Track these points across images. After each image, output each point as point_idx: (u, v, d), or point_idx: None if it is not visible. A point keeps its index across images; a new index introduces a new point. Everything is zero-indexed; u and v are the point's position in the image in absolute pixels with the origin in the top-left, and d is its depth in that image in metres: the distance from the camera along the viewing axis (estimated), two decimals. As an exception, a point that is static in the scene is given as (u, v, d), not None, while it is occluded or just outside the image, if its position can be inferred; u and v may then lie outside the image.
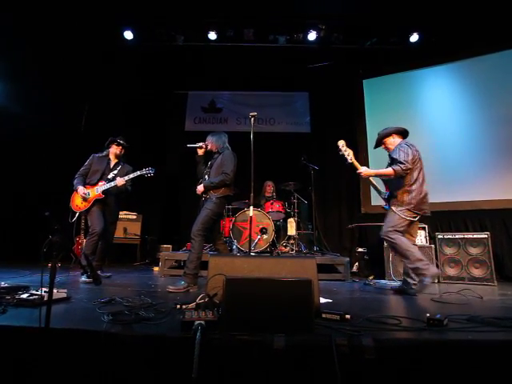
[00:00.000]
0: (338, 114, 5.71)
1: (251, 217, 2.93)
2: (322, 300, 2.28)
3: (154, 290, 2.68)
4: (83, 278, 2.94)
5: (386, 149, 2.95)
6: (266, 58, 5.47)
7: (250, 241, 3.09)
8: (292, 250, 4.37)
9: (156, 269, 4.35)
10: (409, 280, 2.74)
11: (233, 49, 5.16)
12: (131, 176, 3.43)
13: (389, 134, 2.92)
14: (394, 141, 2.89)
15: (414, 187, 2.70)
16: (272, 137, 5.91)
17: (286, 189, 4.87)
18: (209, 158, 3.12)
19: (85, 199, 3.35)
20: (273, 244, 4.36)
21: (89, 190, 3.39)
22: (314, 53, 5.42)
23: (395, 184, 2.77)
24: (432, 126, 4.93)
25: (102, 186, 3.41)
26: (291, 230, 4.56)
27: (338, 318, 1.73)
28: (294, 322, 1.44)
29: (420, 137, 5.00)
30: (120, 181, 3.40)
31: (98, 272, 3.32)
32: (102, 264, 3.48)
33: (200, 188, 2.96)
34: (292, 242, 4.53)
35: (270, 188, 5.09)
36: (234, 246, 4.12)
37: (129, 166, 3.65)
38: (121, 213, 5.28)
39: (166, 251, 4.56)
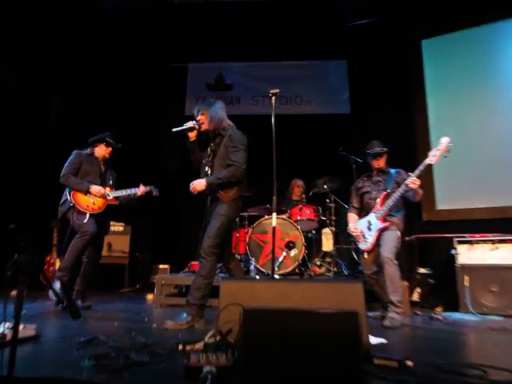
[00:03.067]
0: (386, 88, 5.65)
1: (274, 227, 2.89)
2: (373, 340, 2.22)
3: (148, 326, 2.70)
4: (50, 294, 3.01)
5: (376, 165, 3.43)
6: (288, 14, 5.46)
7: (274, 259, 3.06)
8: (329, 270, 4.37)
9: (150, 297, 4.40)
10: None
11: (245, 4, 5.16)
12: (142, 190, 3.65)
13: (386, 152, 3.43)
14: (386, 159, 3.46)
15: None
16: (299, 120, 5.91)
17: (320, 190, 4.86)
18: (206, 143, 3.08)
19: (104, 197, 3.52)
20: (303, 263, 4.37)
21: (107, 190, 3.58)
22: (354, 6, 5.38)
23: (398, 205, 3.25)
24: None
25: (115, 192, 3.61)
26: (327, 244, 4.56)
27: (395, 364, 1.68)
28: (335, 371, 1.39)
29: (506, 119, 4.80)
30: (143, 190, 3.63)
31: (78, 301, 3.38)
32: (85, 289, 3.54)
33: (198, 185, 2.82)
34: (329, 260, 4.51)
35: (298, 189, 5.12)
36: (252, 266, 4.12)
37: (113, 171, 3.79)
38: (105, 224, 5.40)
39: (163, 273, 4.62)
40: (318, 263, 4.53)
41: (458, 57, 5.24)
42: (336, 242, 4.60)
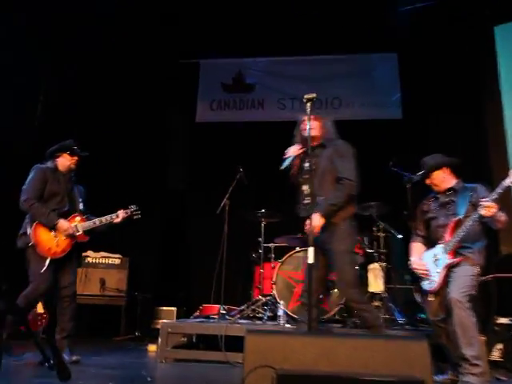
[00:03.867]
0: (448, 87, 5.63)
1: (312, 265, 2.79)
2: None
3: (153, 388, 2.69)
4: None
5: (432, 185, 3.35)
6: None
7: (311, 304, 2.97)
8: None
9: (152, 348, 4.38)
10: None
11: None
12: (121, 217, 3.68)
13: (439, 166, 3.30)
14: (444, 177, 3.31)
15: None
16: (336, 128, 5.93)
17: (365, 214, 4.78)
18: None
19: (71, 237, 3.51)
20: (345, 308, 4.26)
21: (75, 223, 3.55)
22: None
23: (475, 234, 3.14)
24: None
25: (86, 224, 3.58)
26: (375, 283, 4.46)
27: None
28: None
29: None
30: (122, 216, 3.67)
31: (64, 354, 3.37)
32: (71, 336, 3.54)
33: (316, 222, 2.91)
34: (377, 303, 4.42)
35: None
36: (281, 312, 4.04)
37: (80, 186, 3.82)
38: (97, 255, 5.43)
39: (168, 318, 4.61)
40: None
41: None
42: (388, 280, 4.55)
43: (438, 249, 3.20)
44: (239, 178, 4.70)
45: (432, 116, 5.69)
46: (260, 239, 4.72)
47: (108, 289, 5.46)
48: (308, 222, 2.87)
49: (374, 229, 4.74)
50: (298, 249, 4.40)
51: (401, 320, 4.34)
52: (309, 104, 3.07)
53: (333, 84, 6.28)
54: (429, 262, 3.25)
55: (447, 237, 3.15)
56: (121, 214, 3.68)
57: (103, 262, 5.49)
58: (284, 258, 4.40)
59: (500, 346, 4.13)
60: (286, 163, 3.12)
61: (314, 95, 3.07)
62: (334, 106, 6.28)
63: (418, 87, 5.87)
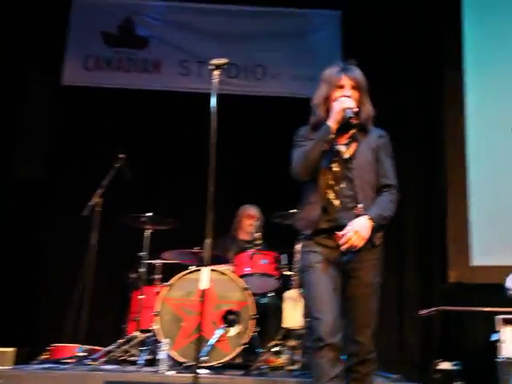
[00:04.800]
0: (404, 59, 5.81)
1: (204, 290, 2.84)
2: None
3: None
4: None
5: None
6: None
7: (200, 341, 3.07)
8: (293, 362, 4.30)
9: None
10: None
11: None
12: None
13: None
14: None
15: None
16: (259, 106, 5.93)
17: (285, 222, 4.77)
18: None
19: None
20: (251, 348, 4.32)
21: None
22: None
23: None
24: None
25: None
26: (292, 316, 4.45)
27: None
28: None
29: None
30: None
31: None
32: None
33: (362, 234, 2.52)
34: (293, 343, 4.43)
35: (249, 222, 5.16)
36: (163, 354, 3.93)
37: None
38: None
39: (4, 363, 4.24)
40: (277, 349, 4.48)
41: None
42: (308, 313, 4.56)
43: None
44: (119, 167, 4.59)
45: (380, 97, 5.78)
46: (142, 254, 4.58)
47: None
48: (345, 231, 2.51)
49: (298, 243, 4.71)
50: (191, 268, 4.35)
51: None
52: (216, 72, 3.04)
53: (256, 46, 6.24)
54: None
55: None
56: None
57: None
58: (173, 281, 4.29)
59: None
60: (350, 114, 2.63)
61: (225, 61, 3.03)
62: (256, 75, 6.23)
63: (364, 59, 5.90)
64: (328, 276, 2.56)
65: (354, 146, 2.68)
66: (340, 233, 2.44)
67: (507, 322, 4.00)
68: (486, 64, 5.57)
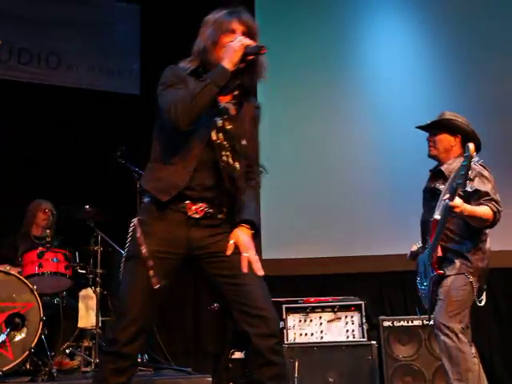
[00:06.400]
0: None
1: None
2: None
3: None
4: None
5: (432, 148, 3.30)
6: None
7: None
8: (88, 363, 4.36)
9: None
10: None
11: None
12: None
13: (454, 130, 3.25)
14: (451, 147, 3.27)
15: (487, 246, 3.22)
16: (52, 97, 5.75)
17: (78, 217, 4.79)
18: None
19: None
20: (41, 352, 4.18)
21: None
22: None
23: (464, 235, 3.17)
24: (378, 91, 5.61)
25: None
26: (87, 316, 4.50)
27: None
28: None
29: (358, 111, 5.56)
30: None
31: None
32: None
33: (252, 250, 2.21)
34: (88, 344, 4.48)
35: (45, 216, 5.02)
36: None
37: None
38: None
39: None
40: (70, 350, 4.47)
41: (299, 25, 5.86)
42: (105, 312, 4.63)
43: (425, 255, 3.21)
44: None
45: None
46: None
47: None
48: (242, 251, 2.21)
49: (93, 240, 4.68)
50: None
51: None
52: None
53: (51, 34, 5.99)
54: (421, 269, 3.31)
55: (430, 240, 3.14)
56: None
57: None
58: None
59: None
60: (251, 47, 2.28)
61: None
62: (50, 64, 5.99)
63: (163, 53, 5.89)
64: None
65: (236, 108, 2.34)
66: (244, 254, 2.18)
67: (290, 310, 4.28)
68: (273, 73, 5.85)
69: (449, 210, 2.87)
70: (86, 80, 6.07)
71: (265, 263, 5.66)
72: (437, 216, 3.02)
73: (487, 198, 3.01)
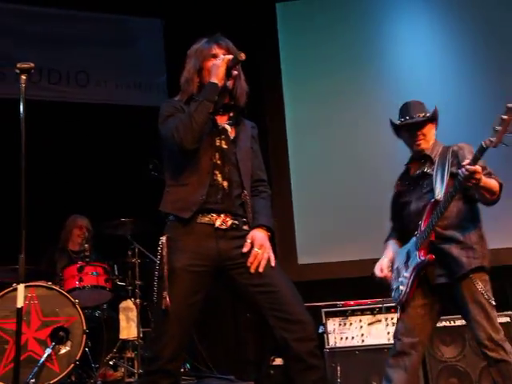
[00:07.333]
0: None
1: (21, 308, 2.64)
2: None
3: None
4: None
5: (414, 145, 3.13)
6: None
7: (18, 366, 2.81)
8: (132, 374, 4.37)
9: None
10: None
11: None
12: None
13: (433, 119, 3.15)
14: (432, 135, 3.15)
15: (483, 229, 2.99)
16: (81, 114, 5.80)
17: (117, 233, 4.80)
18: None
19: None
20: (85, 364, 4.24)
21: None
22: None
23: (464, 219, 2.94)
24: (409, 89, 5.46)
25: None
26: (128, 327, 4.52)
27: None
28: None
29: (385, 109, 5.51)
30: None
31: None
32: None
33: (266, 248, 2.36)
34: (130, 355, 4.48)
35: (80, 232, 5.06)
36: None
37: None
38: None
39: None
40: (113, 362, 4.50)
41: (325, 31, 5.83)
42: (145, 323, 4.58)
43: (411, 244, 2.99)
44: None
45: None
46: None
47: None
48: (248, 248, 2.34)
49: (129, 252, 4.74)
50: (14, 286, 3.98)
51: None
52: (23, 77, 2.83)
53: (78, 52, 6.04)
54: (400, 263, 3.07)
55: (422, 226, 2.93)
56: None
57: None
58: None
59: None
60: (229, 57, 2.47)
61: (30, 65, 2.83)
62: (79, 82, 6.05)
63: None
64: None
65: (234, 128, 2.52)
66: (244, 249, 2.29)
67: (330, 314, 4.26)
68: (299, 80, 5.78)
69: (468, 178, 2.60)
70: (115, 96, 6.13)
71: (301, 268, 5.71)
72: (438, 196, 2.83)
73: (486, 171, 2.82)
